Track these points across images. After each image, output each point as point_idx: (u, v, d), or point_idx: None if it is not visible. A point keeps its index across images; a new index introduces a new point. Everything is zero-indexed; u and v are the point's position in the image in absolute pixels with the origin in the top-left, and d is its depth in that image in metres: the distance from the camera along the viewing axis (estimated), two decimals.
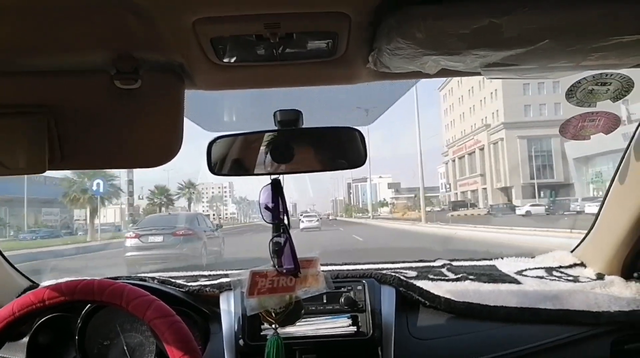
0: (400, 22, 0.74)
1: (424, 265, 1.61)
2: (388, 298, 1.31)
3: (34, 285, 1.52)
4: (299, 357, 1.17)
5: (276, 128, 1.04)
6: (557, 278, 1.42)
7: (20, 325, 1.00)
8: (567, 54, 0.79)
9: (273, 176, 1.05)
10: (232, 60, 0.90)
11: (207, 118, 1.31)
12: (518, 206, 33.97)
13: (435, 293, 1.32)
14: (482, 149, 48.17)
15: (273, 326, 1.07)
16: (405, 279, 1.37)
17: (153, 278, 1.44)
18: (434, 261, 1.66)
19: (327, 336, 1.20)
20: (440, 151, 58.77)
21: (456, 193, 53.66)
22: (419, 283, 1.36)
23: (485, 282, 1.39)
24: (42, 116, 0.88)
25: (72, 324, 1.22)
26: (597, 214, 1.45)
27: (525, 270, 1.51)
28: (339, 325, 1.23)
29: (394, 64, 0.85)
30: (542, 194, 39.69)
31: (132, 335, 1.25)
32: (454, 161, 55.56)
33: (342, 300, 1.27)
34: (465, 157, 52.56)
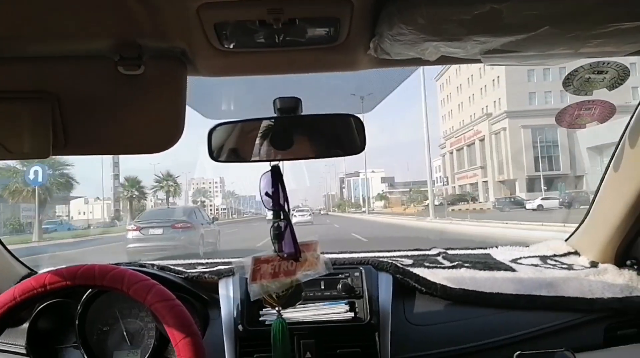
0: (401, 8, 0.75)
1: (419, 253, 1.63)
2: (385, 285, 1.32)
3: (33, 273, 1.53)
4: (298, 341, 1.18)
5: (276, 115, 1.04)
6: (551, 266, 1.44)
7: (21, 310, 1.01)
8: (566, 41, 0.80)
9: (273, 163, 1.06)
10: (235, 46, 0.90)
11: (208, 106, 1.32)
12: (528, 200, 31.35)
13: (432, 280, 1.34)
14: (482, 140, 45.28)
15: (276, 309, 1.09)
16: (402, 266, 1.38)
17: (152, 265, 1.45)
18: (430, 249, 1.68)
19: (325, 322, 1.22)
20: (436, 143, 55.45)
21: (454, 187, 50.38)
22: (416, 271, 1.37)
23: (480, 270, 1.41)
24: (46, 101, 0.89)
25: (72, 310, 1.23)
26: (591, 204, 1.47)
27: (520, 258, 1.53)
28: (336, 310, 1.24)
29: (395, 51, 0.86)
30: (546, 187, 36.68)
31: (132, 320, 1.26)
32: (451, 153, 52.34)
33: (340, 286, 1.28)
34: (464, 149, 49.43)
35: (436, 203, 37.91)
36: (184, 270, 1.42)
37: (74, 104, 0.91)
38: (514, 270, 1.41)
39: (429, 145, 28.87)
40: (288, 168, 1.08)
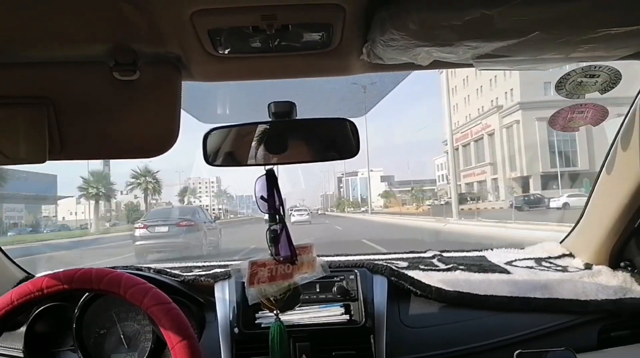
0: (393, 14, 0.76)
1: (415, 256, 1.64)
2: (380, 288, 1.33)
3: (30, 276, 1.53)
4: (294, 344, 1.19)
5: (270, 120, 1.05)
6: (546, 268, 1.45)
7: (19, 314, 1.01)
8: (557, 46, 0.81)
9: (267, 167, 1.06)
10: (229, 52, 0.91)
11: (202, 110, 1.33)
12: (552, 198, 27.56)
13: (427, 282, 1.34)
14: (491, 134, 41.08)
15: (274, 312, 1.10)
16: (397, 269, 1.39)
17: (149, 268, 1.45)
18: (425, 252, 1.68)
19: (321, 324, 1.22)
20: (439, 140, 52.09)
21: (460, 185, 41.83)
22: (411, 273, 1.38)
23: (475, 272, 1.42)
24: (41, 106, 0.90)
25: (69, 313, 1.23)
26: (585, 206, 1.48)
27: (515, 260, 1.54)
28: (332, 313, 1.25)
29: (387, 56, 0.86)
30: (562, 185, 33.30)
31: (129, 324, 1.26)
32: (456, 149, 43.60)
33: (335, 289, 1.29)
34: (471, 144, 45.06)
35: (442, 202, 35.97)
36: (180, 273, 1.42)
37: (69, 109, 0.92)
38: (508, 273, 1.42)
39: (452, 139, 27.29)
40: (284, 169, 1.09)
